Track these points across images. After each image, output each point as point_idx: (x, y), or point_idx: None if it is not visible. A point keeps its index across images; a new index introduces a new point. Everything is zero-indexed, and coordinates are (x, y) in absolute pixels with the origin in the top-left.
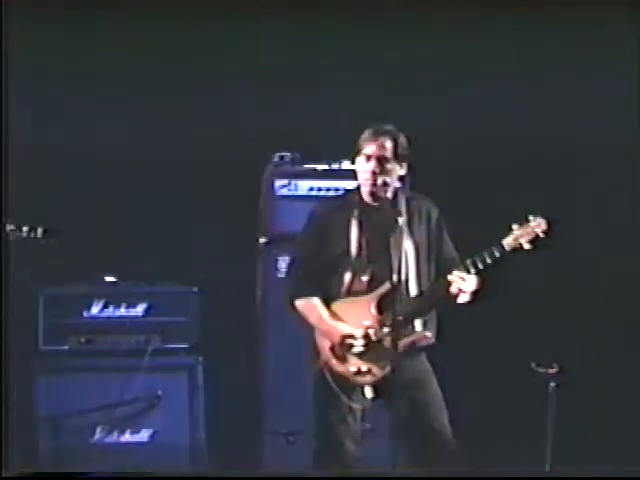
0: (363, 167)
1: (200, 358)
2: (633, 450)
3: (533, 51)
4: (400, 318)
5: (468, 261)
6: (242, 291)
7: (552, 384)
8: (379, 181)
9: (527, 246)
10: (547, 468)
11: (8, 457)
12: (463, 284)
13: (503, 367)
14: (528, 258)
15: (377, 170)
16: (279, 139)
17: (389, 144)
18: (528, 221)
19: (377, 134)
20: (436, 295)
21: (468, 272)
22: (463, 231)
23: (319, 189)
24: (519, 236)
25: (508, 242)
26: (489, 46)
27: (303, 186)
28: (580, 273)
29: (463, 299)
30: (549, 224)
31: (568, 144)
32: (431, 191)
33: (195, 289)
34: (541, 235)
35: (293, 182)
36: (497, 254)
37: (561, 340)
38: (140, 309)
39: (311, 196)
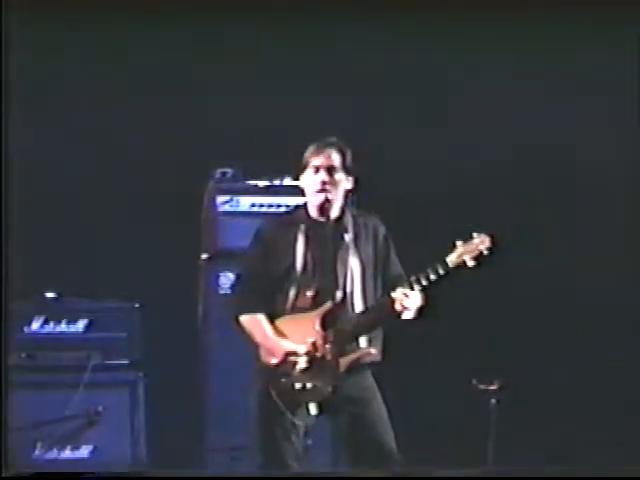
0: (312, 179)
1: (141, 374)
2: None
3: (533, 51)
4: (344, 335)
5: (412, 278)
6: (184, 307)
7: (493, 400)
8: (329, 191)
9: (471, 263)
10: None
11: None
12: (407, 301)
13: (446, 384)
14: (471, 275)
15: (326, 180)
16: (220, 155)
17: (336, 156)
18: (472, 238)
19: (324, 146)
20: (381, 312)
21: (412, 289)
22: (408, 248)
23: (261, 205)
24: (463, 253)
25: (452, 259)
26: (487, 47)
27: (245, 202)
28: (522, 289)
29: (407, 316)
30: (493, 241)
31: (562, 156)
32: (378, 207)
33: (137, 305)
34: (485, 252)
35: (235, 198)
36: (441, 271)
37: (502, 357)
38: (81, 325)
39: (253, 212)
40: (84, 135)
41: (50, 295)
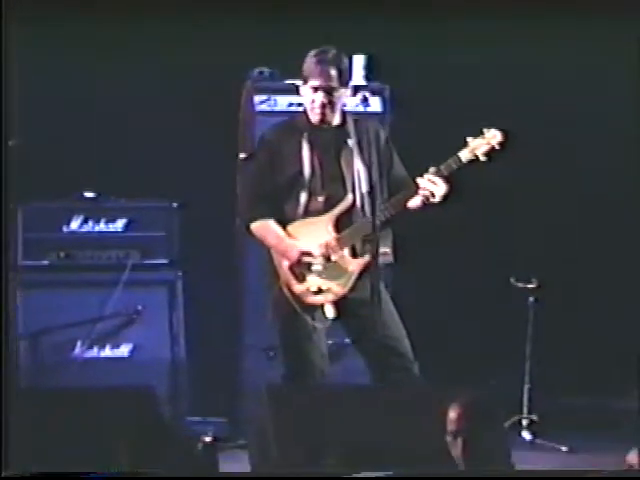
0: (311, 97)
1: (180, 273)
2: (611, 372)
3: (532, 51)
4: (359, 235)
5: (433, 168)
6: (222, 207)
7: (531, 299)
8: (326, 111)
9: (483, 158)
10: (525, 388)
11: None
12: (434, 188)
13: (482, 282)
14: (498, 169)
15: (325, 100)
16: (258, 54)
17: (334, 72)
18: (482, 133)
19: (321, 64)
20: (404, 201)
21: (439, 176)
22: (422, 148)
23: (298, 104)
24: (475, 148)
25: (464, 154)
26: (487, 46)
27: (282, 101)
28: (556, 184)
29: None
30: (505, 136)
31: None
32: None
33: (175, 204)
34: (497, 147)
35: (272, 97)
36: (454, 166)
37: (537, 255)
38: (120, 224)
39: (290, 112)
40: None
41: (89, 194)
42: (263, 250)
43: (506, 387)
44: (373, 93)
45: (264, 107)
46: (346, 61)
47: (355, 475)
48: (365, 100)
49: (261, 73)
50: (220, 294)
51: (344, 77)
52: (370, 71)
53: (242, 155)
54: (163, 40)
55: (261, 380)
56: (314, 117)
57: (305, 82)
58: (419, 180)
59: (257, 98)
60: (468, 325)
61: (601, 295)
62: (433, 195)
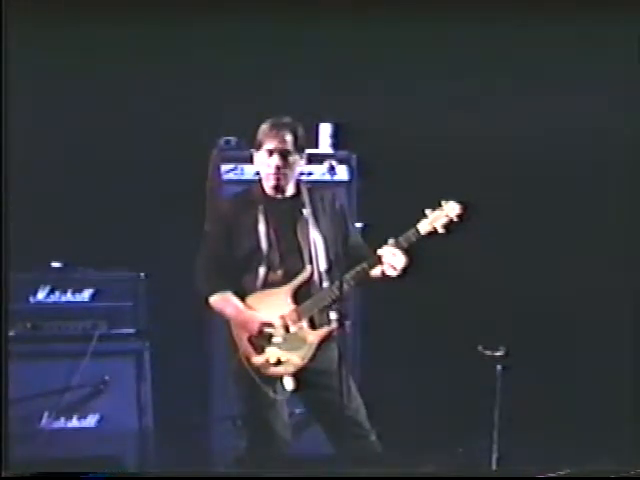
0: (266, 162)
1: (147, 343)
2: (582, 433)
3: (532, 51)
4: (318, 307)
5: (392, 240)
6: (189, 277)
7: (499, 367)
8: (282, 175)
9: (441, 230)
10: (494, 458)
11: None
12: (394, 260)
13: (448, 352)
14: (460, 239)
15: (280, 164)
16: (224, 125)
17: (289, 137)
18: (440, 206)
19: (276, 128)
20: (357, 280)
21: (399, 248)
22: (381, 218)
23: None
24: (433, 221)
25: (423, 226)
26: (486, 45)
27: (249, 170)
28: (523, 251)
29: (391, 274)
30: (464, 208)
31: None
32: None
33: (142, 275)
34: (455, 219)
35: (239, 166)
36: (413, 238)
37: (504, 324)
38: (87, 294)
39: (257, 180)
40: (84, 106)
41: (56, 265)
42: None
43: (474, 456)
44: (340, 162)
45: (231, 176)
46: (301, 129)
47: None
48: (332, 168)
49: (228, 142)
50: (188, 364)
51: (299, 143)
52: (337, 139)
53: (208, 225)
54: (130, 108)
55: (230, 450)
56: (269, 183)
57: (258, 147)
58: (380, 251)
59: (224, 167)
60: (436, 393)
61: (572, 361)
62: (394, 268)
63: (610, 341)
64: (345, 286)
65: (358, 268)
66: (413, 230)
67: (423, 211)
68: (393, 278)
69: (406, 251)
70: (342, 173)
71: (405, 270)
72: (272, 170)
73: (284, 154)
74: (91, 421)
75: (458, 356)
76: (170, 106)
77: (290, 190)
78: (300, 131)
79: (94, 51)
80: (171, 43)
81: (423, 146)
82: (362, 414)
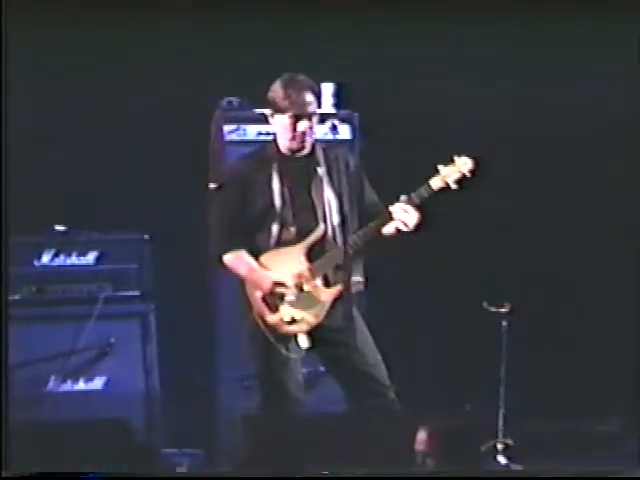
0: (289, 126)
1: (152, 305)
2: (585, 394)
3: (532, 51)
4: (331, 265)
5: (404, 196)
6: (194, 238)
7: (504, 323)
8: (308, 139)
9: (454, 186)
10: (500, 413)
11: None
12: (407, 216)
13: (452, 308)
14: (471, 195)
15: (307, 130)
16: (226, 84)
17: (311, 98)
18: (453, 161)
19: (296, 90)
20: (377, 230)
21: (411, 204)
22: (392, 176)
23: (268, 133)
24: (445, 176)
25: (435, 182)
26: (487, 45)
27: (252, 130)
28: (528, 208)
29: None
30: (476, 163)
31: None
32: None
33: (146, 236)
34: (467, 175)
35: (242, 127)
36: (425, 194)
37: (509, 280)
38: (91, 257)
39: (260, 140)
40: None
41: (59, 228)
42: (236, 281)
43: (481, 411)
44: (342, 121)
45: (233, 137)
46: (317, 86)
47: (356, 475)
48: (334, 128)
49: (230, 103)
50: (193, 325)
51: (320, 101)
52: (339, 99)
53: (212, 185)
54: (130, 71)
55: (237, 410)
56: (291, 145)
57: (276, 110)
58: (392, 208)
59: (226, 128)
60: (441, 350)
61: (575, 318)
62: (406, 224)
63: (614, 303)
64: (358, 243)
65: (372, 224)
66: (425, 186)
67: (435, 167)
68: (405, 235)
69: (418, 207)
70: (344, 132)
71: (418, 227)
72: (298, 136)
73: (310, 118)
74: (98, 384)
75: (465, 312)
76: (170, 71)
77: (305, 149)
78: (317, 89)
79: (94, 51)
80: (171, 42)
81: (425, 105)
82: (381, 370)
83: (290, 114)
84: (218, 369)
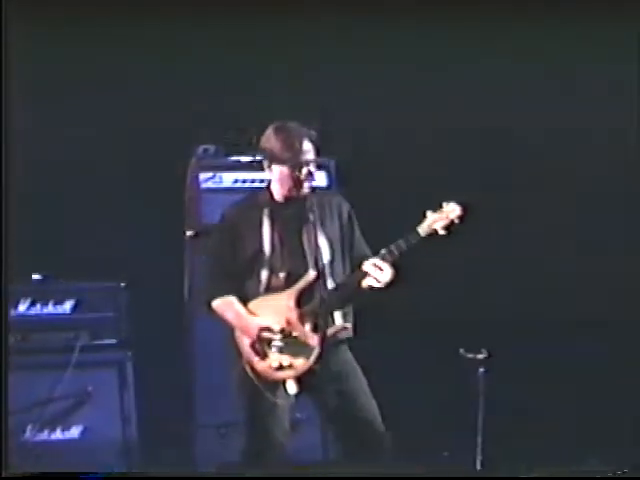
0: (289, 176)
1: (129, 353)
2: (564, 437)
3: (531, 51)
4: (318, 311)
5: (384, 250)
6: (170, 285)
7: (481, 369)
8: (306, 186)
9: (442, 232)
10: (478, 460)
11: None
12: (379, 274)
13: (430, 355)
14: (448, 244)
15: (306, 178)
16: (201, 132)
17: (309, 147)
18: (441, 207)
19: (294, 139)
20: (353, 286)
21: (384, 261)
22: (377, 223)
23: (244, 181)
24: (433, 222)
25: (423, 228)
26: (486, 45)
27: (228, 178)
28: (503, 256)
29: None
30: (464, 210)
31: (564, 153)
32: (350, 182)
33: (123, 284)
34: (456, 221)
35: (218, 174)
36: (412, 241)
37: (486, 327)
38: (68, 306)
39: (236, 188)
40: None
41: (36, 277)
42: (214, 329)
43: (459, 459)
44: (318, 167)
45: (209, 184)
46: (313, 132)
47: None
48: (310, 174)
49: (206, 150)
50: (171, 373)
51: (317, 150)
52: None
53: (189, 233)
54: (110, 112)
55: (214, 458)
56: (293, 192)
57: (274, 160)
58: (364, 265)
59: (202, 175)
60: (421, 397)
61: (555, 364)
62: (378, 281)
63: (592, 341)
64: (344, 290)
65: (351, 277)
66: (413, 233)
67: (424, 213)
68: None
69: (402, 255)
70: (321, 179)
71: (390, 284)
72: (299, 185)
73: (309, 167)
74: (75, 432)
75: (442, 359)
76: (144, 118)
77: (300, 194)
78: (314, 136)
79: (94, 51)
80: (171, 42)
81: (405, 150)
82: (376, 416)
83: (290, 164)
84: (197, 417)
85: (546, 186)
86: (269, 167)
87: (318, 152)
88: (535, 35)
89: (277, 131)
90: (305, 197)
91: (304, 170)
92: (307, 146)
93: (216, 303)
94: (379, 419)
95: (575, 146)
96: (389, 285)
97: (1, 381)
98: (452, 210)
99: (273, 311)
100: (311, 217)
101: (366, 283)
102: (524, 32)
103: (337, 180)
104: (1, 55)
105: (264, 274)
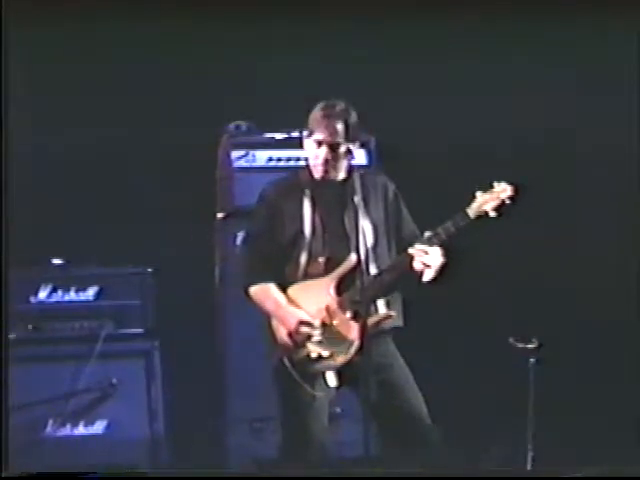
0: (314, 152)
1: (157, 343)
2: (614, 430)
3: (532, 52)
4: (362, 298)
5: (429, 233)
6: (200, 270)
7: (532, 360)
8: (330, 167)
9: (492, 213)
10: (529, 456)
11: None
12: (427, 258)
13: (478, 345)
14: (499, 226)
15: (329, 157)
16: (234, 108)
17: (340, 127)
18: (492, 187)
19: (328, 116)
20: (399, 272)
21: (430, 244)
22: (425, 204)
23: (279, 159)
24: (483, 203)
25: (473, 209)
26: (487, 46)
27: (261, 156)
28: (556, 243)
29: (428, 275)
30: (515, 190)
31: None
32: (395, 162)
33: (150, 270)
34: (507, 201)
35: (251, 152)
36: (461, 223)
37: (539, 314)
38: (91, 293)
39: (270, 167)
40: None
41: (57, 261)
42: (246, 316)
43: (508, 454)
44: (362, 146)
45: (242, 163)
46: (354, 116)
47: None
48: (349, 152)
49: (238, 127)
50: (200, 364)
51: (351, 132)
52: None
53: (220, 214)
54: (137, 94)
55: (248, 455)
56: (317, 173)
57: (310, 135)
58: (410, 250)
59: (234, 154)
60: (470, 389)
61: (606, 354)
62: (428, 265)
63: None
64: (388, 277)
65: (394, 262)
66: (461, 214)
67: (473, 193)
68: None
69: (450, 238)
70: (360, 158)
71: (443, 269)
72: (320, 162)
73: (333, 146)
74: (99, 428)
75: (491, 349)
76: (172, 95)
77: (341, 175)
78: (352, 118)
79: (94, 50)
80: (171, 41)
81: (448, 129)
82: (423, 411)
83: (315, 139)
84: (228, 410)
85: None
86: (304, 144)
87: (357, 134)
88: (534, 35)
89: (318, 106)
90: (348, 177)
91: (323, 148)
92: (339, 126)
93: (253, 290)
94: (425, 413)
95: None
96: (441, 269)
97: (1, 381)
98: (503, 190)
99: (313, 298)
100: (355, 199)
101: (416, 266)
102: (523, 32)
103: (378, 159)
104: (1, 55)
105: (303, 258)
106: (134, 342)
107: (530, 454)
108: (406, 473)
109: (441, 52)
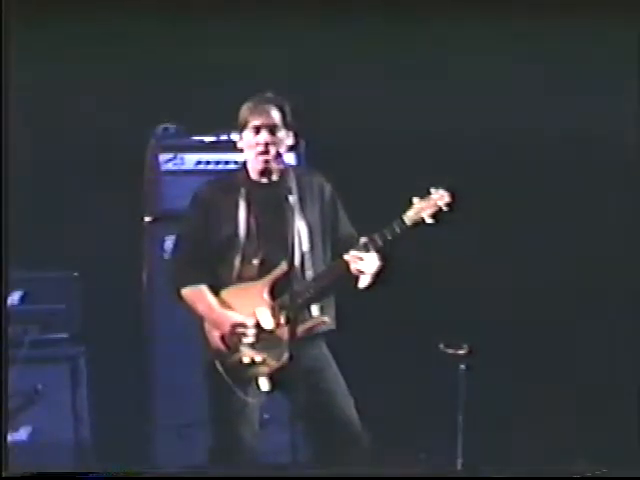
0: (253, 140)
1: (82, 349)
2: (543, 434)
3: (532, 50)
4: (294, 303)
5: (365, 239)
6: (127, 275)
7: (462, 366)
8: (272, 152)
9: (429, 220)
10: (458, 461)
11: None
12: (362, 264)
13: (410, 351)
14: (431, 233)
15: (269, 140)
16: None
17: (276, 113)
18: (429, 193)
19: (262, 103)
20: (334, 277)
21: (367, 251)
22: (361, 208)
23: (207, 162)
24: (420, 210)
25: (409, 216)
26: (487, 46)
27: (190, 160)
28: (488, 249)
29: (364, 281)
30: (452, 197)
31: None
32: (327, 165)
33: (75, 274)
34: (444, 208)
35: (179, 156)
36: (398, 230)
37: (470, 320)
38: (16, 297)
39: (199, 170)
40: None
41: None
42: (174, 320)
43: (437, 461)
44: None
45: (170, 166)
46: (287, 104)
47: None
48: (279, 155)
49: (166, 130)
50: (127, 369)
51: (286, 117)
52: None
53: (148, 218)
54: (67, 97)
55: (175, 461)
56: (256, 165)
57: (245, 126)
58: (345, 257)
59: (163, 157)
60: (402, 394)
61: (539, 360)
62: (362, 272)
63: (574, 339)
64: (322, 282)
65: (328, 269)
66: (397, 221)
67: (410, 200)
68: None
69: (386, 244)
70: (290, 160)
71: (378, 275)
72: (261, 148)
73: (272, 129)
74: (23, 434)
75: (422, 354)
76: (100, 96)
77: (277, 174)
78: (286, 106)
79: (94, 50)
80: (101, 41)
81: (382, 130)
82: (353, 416)
83: (252, 125)
84: (154, 416)
85: (541, 182)
86: (241, 139)
87: (292, 122)
88: (534, 35)
89: (249, 100)
90: (284, 177)
91: (264, 132)
92: (272, 111)
93: (185, 291)
94: (355, 418)
95: (573, 146)
96: (377, 275)
97: (1, 381)
98: (440, 197)
99: (246, 302)
100: (290, 199)
101: (352, 271)
102: (523, 32)
103: (307, 161)
104: (1, 55)
105: (237, 261)
106: (59, 347)
107: (460, 459)
108: (406, 473)
109: (385, 50)
